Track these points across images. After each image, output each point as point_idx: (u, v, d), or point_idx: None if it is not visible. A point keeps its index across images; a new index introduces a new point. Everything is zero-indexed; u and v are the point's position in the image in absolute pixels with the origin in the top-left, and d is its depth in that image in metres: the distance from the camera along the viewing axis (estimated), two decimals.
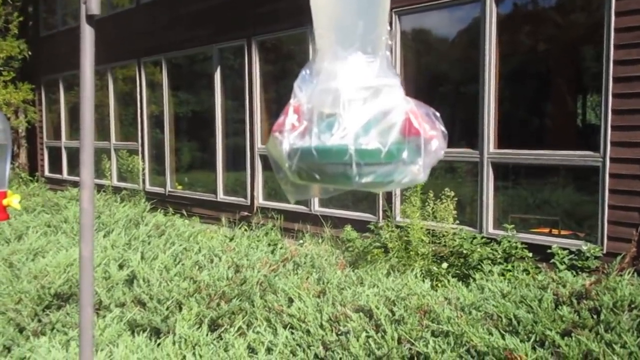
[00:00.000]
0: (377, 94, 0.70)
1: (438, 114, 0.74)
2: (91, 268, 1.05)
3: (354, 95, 0.70)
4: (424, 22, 6.68)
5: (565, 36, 6.11)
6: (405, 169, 0.73)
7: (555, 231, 5.77)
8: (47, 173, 13.53)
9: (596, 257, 4.87)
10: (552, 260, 4.99)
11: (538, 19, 6.11)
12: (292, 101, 0.76)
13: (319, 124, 0.72)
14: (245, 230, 7.45)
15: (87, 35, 0.95)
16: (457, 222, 5.62)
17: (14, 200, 1.75)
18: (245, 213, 8.40)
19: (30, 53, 13.26)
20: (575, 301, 3.21)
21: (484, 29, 5.71)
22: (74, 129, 12.67)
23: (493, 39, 5.67)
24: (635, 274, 4.01)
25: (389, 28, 0.77)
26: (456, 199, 5.50)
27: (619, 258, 4.31)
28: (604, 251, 4.93)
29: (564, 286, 3.37)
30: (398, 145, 0.71)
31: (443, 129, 0.74)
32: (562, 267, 4.79)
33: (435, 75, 7.16)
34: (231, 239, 6.42)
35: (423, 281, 4.10)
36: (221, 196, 8.93)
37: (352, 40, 0.73)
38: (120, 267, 4.54)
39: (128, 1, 11.16)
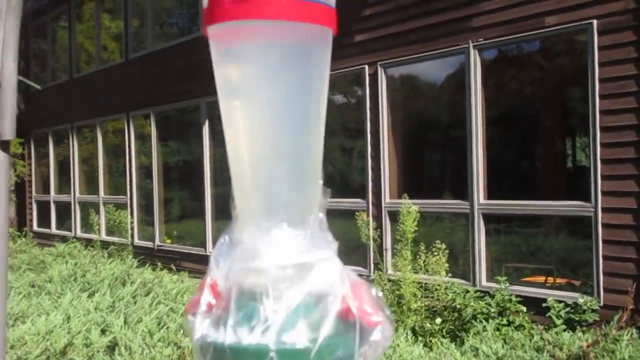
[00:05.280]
0: (306, 273, 0.57)
1: (381, 294, 0.60)
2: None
3: (277, 276, 0.57)
4: (409, 71, 6.70)
5: (551, 80, 6.14)
6: None
7: (550, 279, 5.66)
8: (35, 227, 13.36)
9: (593, 310, 4.73)
10: (547, 314, 4.85)
11: (523, 64, 6.14)
12: (207, 278, 0.62)
13: (237, 312, 0.58)
14: None
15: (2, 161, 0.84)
16: (450, 274, 5.49)
17: None
18: None
19: (21, 107, 13.27)
20: None
21: (469, 78, 5.71)
22: (64, 182, 12.58)
23: (479, 88, 5.67)
24: (635, 331, 3.87)
25: (321, 183, 0.64)
26: (448, 250, 5.39)
27: (616, 318, 4.14)
28: (601, 303, 4.80)
29: (561, 348, 3.25)
30: (331, 340, 0.56)
31: (388, 312, 0.59)
32: (558, 321, 4.65)
33: (422, 122, 7.16)
34: None
35: (415, 342, 3.96)
36: (210, 249, 8.78)
37: (275, 209, 0.61)
38: (103, 332, 4.39)
39: (118, 55, 11.24)
